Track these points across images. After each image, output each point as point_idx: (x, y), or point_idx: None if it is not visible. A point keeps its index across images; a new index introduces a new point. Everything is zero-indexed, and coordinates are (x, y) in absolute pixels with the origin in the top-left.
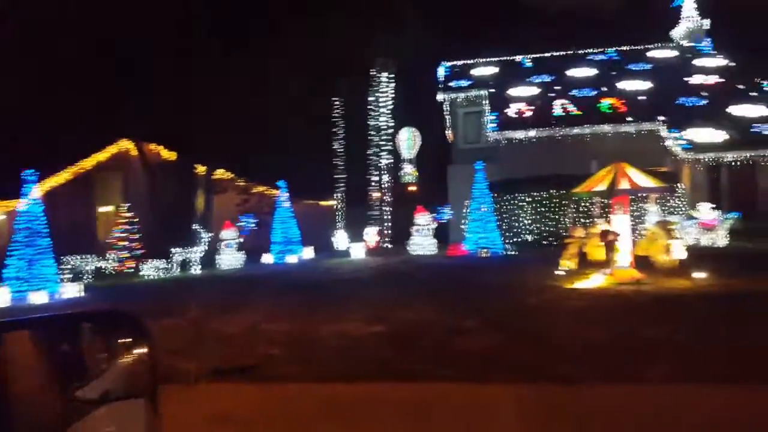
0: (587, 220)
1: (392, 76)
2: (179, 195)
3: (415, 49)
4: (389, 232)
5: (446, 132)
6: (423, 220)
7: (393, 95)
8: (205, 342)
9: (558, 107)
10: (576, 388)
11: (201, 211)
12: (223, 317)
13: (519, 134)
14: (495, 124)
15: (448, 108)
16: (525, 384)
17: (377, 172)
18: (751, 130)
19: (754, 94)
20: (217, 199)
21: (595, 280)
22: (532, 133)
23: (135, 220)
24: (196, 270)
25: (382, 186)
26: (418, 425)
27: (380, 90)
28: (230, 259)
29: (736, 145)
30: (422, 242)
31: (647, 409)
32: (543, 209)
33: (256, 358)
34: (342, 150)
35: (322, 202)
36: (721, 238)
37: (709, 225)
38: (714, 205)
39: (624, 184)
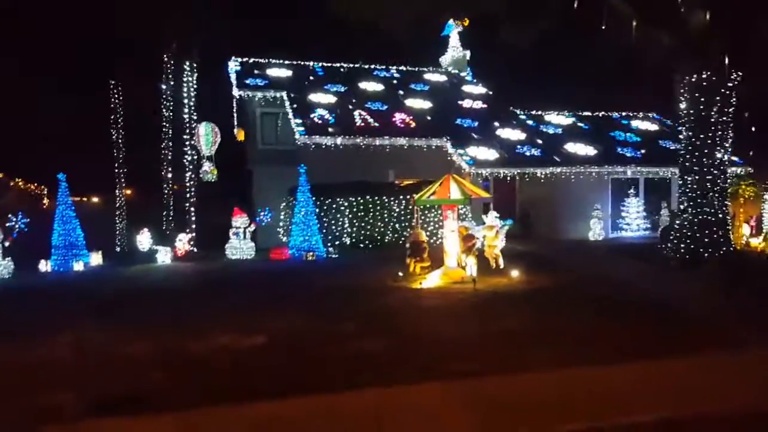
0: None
1: (195, 65)
2: None
3: (207, 39)
4: (194, 235)
5: (234, 130)
6: (241, 222)
7: (196, 86)
8: (56, 372)
9: (358, 118)
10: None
11: None
12: (49, 340)
13: (326, 140)
14: (303, 128)
15: (243, 106)
16: (460, 381)
17: (170, 169)
18: (516, 151)
19: (513, 120)
20: None
21: (432, 280)
22: (339, 140)
23: None
24: None
25: (187, 185)
26: None
27: (183, 79)
28: None
29: (504, 163)
30: (241, 246)
31: (557, 392)
32: (360, 213)
33: (135, 385)
34: (122, 142)
35: (96, 199)
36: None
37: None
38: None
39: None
